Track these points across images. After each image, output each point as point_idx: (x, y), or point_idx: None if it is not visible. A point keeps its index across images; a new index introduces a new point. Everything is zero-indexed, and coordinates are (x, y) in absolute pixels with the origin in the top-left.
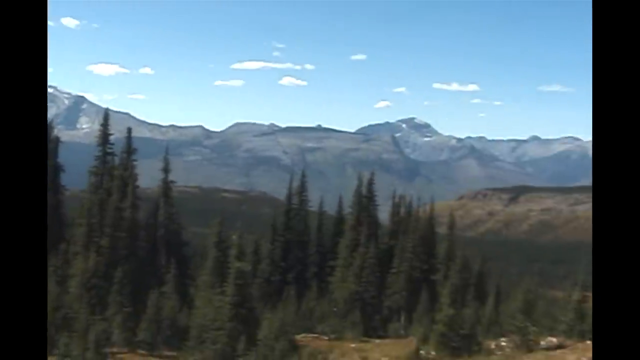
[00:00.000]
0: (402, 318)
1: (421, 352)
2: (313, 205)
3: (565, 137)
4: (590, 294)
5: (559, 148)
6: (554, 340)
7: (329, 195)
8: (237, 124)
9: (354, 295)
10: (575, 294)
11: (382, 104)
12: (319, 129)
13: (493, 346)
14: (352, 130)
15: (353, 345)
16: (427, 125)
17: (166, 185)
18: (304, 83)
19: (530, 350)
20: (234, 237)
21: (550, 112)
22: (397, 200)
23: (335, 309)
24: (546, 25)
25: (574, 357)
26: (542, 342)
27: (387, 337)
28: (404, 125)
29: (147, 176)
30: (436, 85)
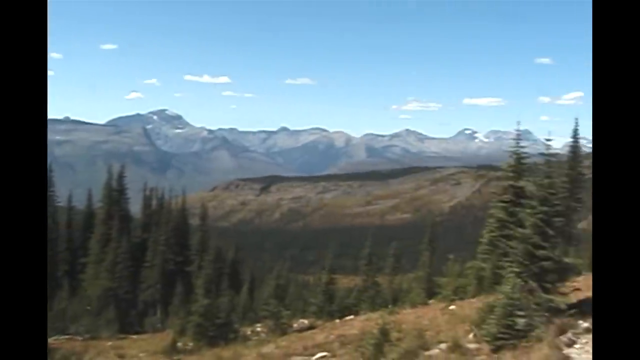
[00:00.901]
0: (159, 312)
1: (178, 344)
2: (61, 201)
3: (313, 128)
4: (337, 276)
5: (307, 139)
6: (306, 322)
7: (79, 190)
8: None
9: (107, 291)
10: (324, 277)
11: (133, 95)
12: (67, 121)
13: (249, 332)
14: (102, 122)
15: (109, 343)
16: (178, 117)
17: None
18: (51, 73)
19: (284, 333)
20: None
21: (298, 104)
22: (148, 192)
23: (88, 308)
24: (292, 19)
25: (323, 336)
26: (295, 325)
27: (144, 332)
28: (155, 117)
29: None
30: (187, 77)
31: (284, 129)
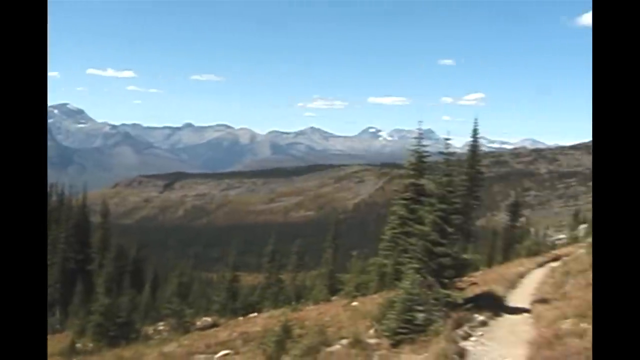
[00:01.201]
0: (58, 312)
1: (78, 345)
2: None
3: (218, 125)
4: (240, 274)
5: (211, 135)
6: (209, 319)
7: None
8: None
9: None
10: (228, 274)
11: None
12: None
13: (151, 331)
14: None
15: None
16: (80, 112)
17: None
18: None
19: (186, 331)
20: None
21: (204, 100)
22: (48, 189)
23: None
24: (198, 15)
25: (226, 333)
26: (198, 323)
27: None
28: (56, 111)
29: None
30: (90, 71)
31: (189, 125)
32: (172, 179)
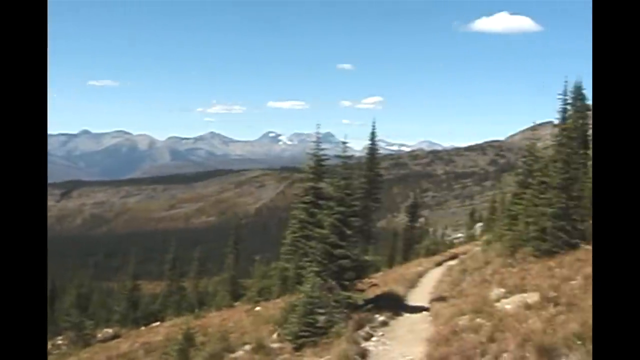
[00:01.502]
0: None
1: None
2: None
3: (116, 131)
4: (142, 282)
5: (109, 142)
6: (110, 331)
7: None
8: None
9: None
10: (128, 283)
11: None
12: None
13: (49, 346)
14: None
15: None
16: None
17: None
18: None
19: (87, 344)
20: None
21: (100, 106)
22: None
23: None
24: (94, 19)
25: (128, 344)
26: (99, 335)
27: None
28: None
29: None
30: None
31: (86, 132)
32: (69, 187)
